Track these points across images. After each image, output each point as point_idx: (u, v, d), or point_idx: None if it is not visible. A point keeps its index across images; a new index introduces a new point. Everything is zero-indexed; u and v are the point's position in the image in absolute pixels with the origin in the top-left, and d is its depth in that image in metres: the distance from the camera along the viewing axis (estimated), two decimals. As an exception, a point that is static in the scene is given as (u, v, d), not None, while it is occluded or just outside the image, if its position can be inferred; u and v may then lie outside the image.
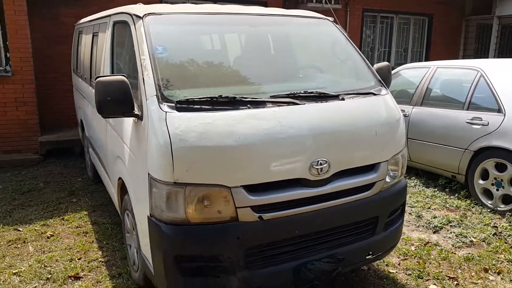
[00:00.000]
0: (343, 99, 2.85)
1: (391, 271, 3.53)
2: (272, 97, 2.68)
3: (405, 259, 3.72)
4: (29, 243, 4.06)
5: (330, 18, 3.53)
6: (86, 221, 4.60)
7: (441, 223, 4.36)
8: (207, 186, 2.35)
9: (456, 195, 5.12)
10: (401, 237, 4.10)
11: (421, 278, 3.41)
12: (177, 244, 2.39)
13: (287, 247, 2.63)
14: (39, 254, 3.84)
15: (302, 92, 2.77)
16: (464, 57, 12.22)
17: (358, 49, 3.37)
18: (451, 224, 4.37)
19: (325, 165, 2.59)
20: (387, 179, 2.95)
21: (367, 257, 2.96)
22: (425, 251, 3.81)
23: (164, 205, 2.37)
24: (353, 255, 2.86)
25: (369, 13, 10.82)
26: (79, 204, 5.09)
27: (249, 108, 2.53)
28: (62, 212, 4.84)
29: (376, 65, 3.38)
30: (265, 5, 9.08)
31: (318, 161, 2.56)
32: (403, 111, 5.78)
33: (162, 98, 2.45)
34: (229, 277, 2.46)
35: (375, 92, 3.06)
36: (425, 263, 3.62)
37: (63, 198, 5.28)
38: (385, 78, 3.33)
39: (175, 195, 2.34)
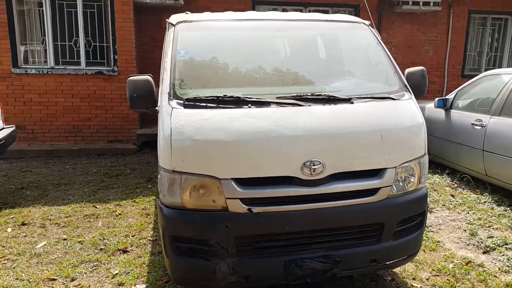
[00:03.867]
0: (352, 102, 2.87)
1: (415, 285, 3.37)
2: (278, 98, 2.83)
3: (437, 275, 3.51)
4: (100, 219, 4.76)
5: (366, 22, 3.51)
6: (152, 205, 5.20)
7: (495, 244, 3.97)
8: (200, 176, 2.61)
9: (534, 216, 4.57)
10: (444, 254, 3.87)
11: (444, 297, 3.21)
12: (171, 225, 2.69)
13: (278, 241, 2.75)
14: (104, 229, 4.49)
15: (309, 94, 2.86)
16: None
17: (388, 54, 3.30)
18: (508, 246, 3.94)
19: (319, 166, 2.65)
20: (398, 186, 2.87)
21: (371, 264, 2.92)
22: (462, 270, 3.54)
23: (166, 190, 2.69)
24: (354, 260, 2.85)
25: (477, 15, 9.92)
26: (152, 190, 5.75)
27: (249, 107, 2.72)
28: (136, 195, 5.54)
29: (408, 70, 3.28)
30: (356, 8, 8.97)
31: (311, 161, 2.64)
32: (480, 120, 5.32)
33: (174, 96, 2.79)
34: (219, 262, 2.68)
35: (394, 97, 2.99)
36: (456, 283, 3.38)
37: (141, 184, 6.02)
38: (418, 83, 3.22)
39: (173, 182, 2.64)
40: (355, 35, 3.45)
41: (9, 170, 6.70)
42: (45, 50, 7.86)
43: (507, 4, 9.81)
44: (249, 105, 2.75)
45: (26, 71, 7.75)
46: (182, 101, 2.75)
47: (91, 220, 4.74)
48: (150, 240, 4.22)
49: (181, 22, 3.26)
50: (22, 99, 7.85)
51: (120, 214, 4.90)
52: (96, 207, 5.09)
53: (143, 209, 5.07)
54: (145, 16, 8.52)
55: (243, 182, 2.63)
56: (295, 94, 2.86)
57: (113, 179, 6.25)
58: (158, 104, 2.97)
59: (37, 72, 7.79)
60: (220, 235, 2.64)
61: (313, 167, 2.64)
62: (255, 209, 2.64)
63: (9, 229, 4.45)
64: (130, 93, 2.92)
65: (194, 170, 2.61)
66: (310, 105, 2.80)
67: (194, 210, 2.67)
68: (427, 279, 3.46)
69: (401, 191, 2.89)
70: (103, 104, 8.02)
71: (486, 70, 10.23)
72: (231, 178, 2.61)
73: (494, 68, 10.21)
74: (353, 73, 3.36)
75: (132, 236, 4.31)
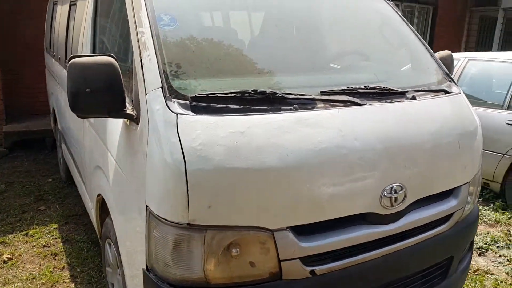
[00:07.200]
0: (414, 97, 2.08)
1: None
2: (322, 93, 1.87)
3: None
4: (-21, 271, 3.16)
5: (376, -9, 2.73)
6: (55, 238, 3.71)
7: (486, 243, 3.68)
8: (239, 229, 1.54)
9: (491, 206, 4.46)
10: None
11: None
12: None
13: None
14: (-8, 288, 2.97)
15: (363, 86, 1.97)
16: (466, 49, 11.62)
17: (417, 33, 2.58)
18: (498, 245, 3.69)
19: (401, 192, 1.82)
20: (466, 207, 2.21)
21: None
22: (478, 283, 3.10)
23: (170, 257, 1.55)
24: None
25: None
26: (48, 214, 4.17)
27: (296, 110, 1.72)
28: (26, 224, 3.93)
29: (439, 54, 2.61)
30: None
31: (392, 187, 1.79)
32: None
33: (171, 92, 1.62)
34: None
35: (446, 89, 2.29)
36: (484, 302, 2.92)
37: (29, 205, 4.35)
38: (449, 70, 2.57)
39: (189, 244, 1.52)
40: (371, 7, 2.64)
41: None
42: None
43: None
44: (295, 105, 1.74)
45: None
46: (187, 102, 1.61)
47: (-35, 275, 3.12)
48: (75, 298, 2.88)
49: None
50: None
51: (10, 258, 3.34)
52: (-33, 252, 3.42)
53: (44, 246, 3.57)
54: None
55: (301, 231, 1.65)
56: (345, 87, 1.94)
57: (-17, 201, 4.44)
58: (133, 106, 1.76)
59: None
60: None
61: (394, 195, 1.80)
62: (320, 270, 1.69)
63: None
64: (77, 88, 1.63)
65: (230, 220, 1.53)
66: (366, 103, 1.92)
67: (222, 285, 1.59)
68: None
69: (466, 214, 2.24)
70: None
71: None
72: (287, 227, 1.60)
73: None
74: (381, 58, 2.54)
75: (44, 295, 2.90)
